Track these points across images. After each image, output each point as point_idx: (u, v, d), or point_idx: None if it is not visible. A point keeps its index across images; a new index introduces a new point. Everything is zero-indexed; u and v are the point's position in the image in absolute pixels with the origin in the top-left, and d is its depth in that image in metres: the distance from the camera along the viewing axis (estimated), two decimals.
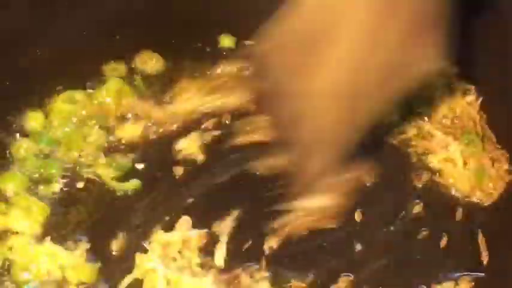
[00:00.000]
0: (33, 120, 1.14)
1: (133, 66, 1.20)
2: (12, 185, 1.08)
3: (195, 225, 1.06)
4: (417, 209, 1.10)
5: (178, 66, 1.20)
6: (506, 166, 1.13)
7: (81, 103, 1.15)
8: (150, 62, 1.20)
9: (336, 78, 0.92)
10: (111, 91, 1.16)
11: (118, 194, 1.09)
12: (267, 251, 1.05)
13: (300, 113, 0.97)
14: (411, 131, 1.15)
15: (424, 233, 1.08)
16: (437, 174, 1.12)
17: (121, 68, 1.19)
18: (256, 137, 1.11)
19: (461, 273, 1.06)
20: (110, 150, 1.13)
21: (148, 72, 1.19)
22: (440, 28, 0.92)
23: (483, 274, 1.06)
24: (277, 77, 0.98)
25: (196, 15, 1.21)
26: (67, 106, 1.15)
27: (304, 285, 1.03)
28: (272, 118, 1.05)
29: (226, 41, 1.23)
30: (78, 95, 1.16)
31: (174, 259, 1.04)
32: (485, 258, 1.07)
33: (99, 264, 1.03)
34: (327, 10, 0.91)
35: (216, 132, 1.14)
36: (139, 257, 1.03)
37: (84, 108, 1.15)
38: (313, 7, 0.94)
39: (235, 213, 1.08)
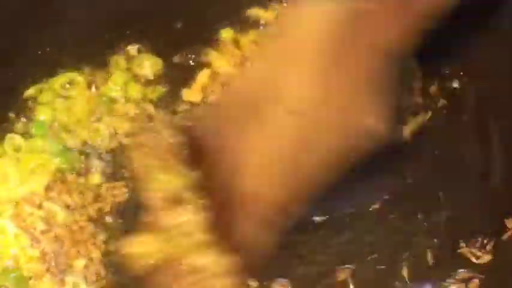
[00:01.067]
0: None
1: (132, 67, 1.19)
2: None
3: None
4: None
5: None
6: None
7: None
8: (149, 64, 1.19)
9: (279, 136, 0.89)
10: (117, 85, 1.17)
11: None
12: None
13: (238, 169, 0.91)
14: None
15: None
16: None
17: (123, 66, 1.19)
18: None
19: (461, 273, 1.05)
20: None
21: (146, 74, 1.19)
22: (388, 93, 0.90)
23: (483, 275, 1.06)
24: (218, 133, 0.93)
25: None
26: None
27: None
28: (206, 174, 0.94)
29: (225, 35, 1.21)
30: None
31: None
32: (485, 258, 1.07)
33: None
34: (269, 73, 0.90)
35: None
36: None
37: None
38: (256, 70, 0.93)
39: None
